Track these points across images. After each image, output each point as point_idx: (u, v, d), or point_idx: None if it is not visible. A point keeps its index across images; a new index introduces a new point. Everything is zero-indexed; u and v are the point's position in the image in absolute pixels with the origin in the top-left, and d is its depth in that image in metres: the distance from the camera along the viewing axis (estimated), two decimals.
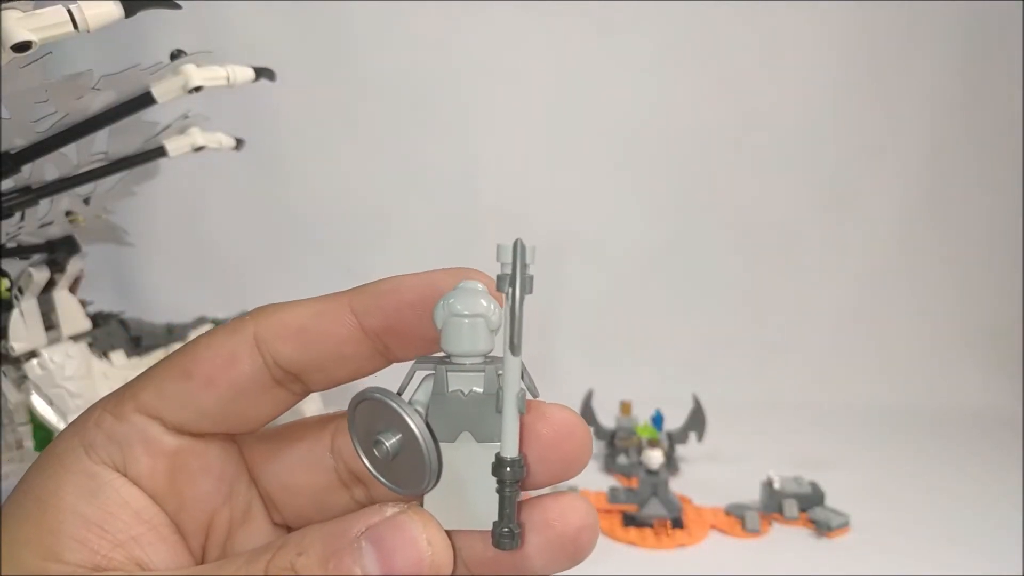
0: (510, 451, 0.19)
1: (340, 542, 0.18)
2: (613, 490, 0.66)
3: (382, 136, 1.12)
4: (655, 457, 0.64)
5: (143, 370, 0.22)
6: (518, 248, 0.18)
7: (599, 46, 1.10)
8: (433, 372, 0.20)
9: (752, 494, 0.68)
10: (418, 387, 0.20)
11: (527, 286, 0.18)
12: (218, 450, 0.22)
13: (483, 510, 0.20)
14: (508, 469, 0.19)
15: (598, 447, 0.81)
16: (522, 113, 1.11)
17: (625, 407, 0.80)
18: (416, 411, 0.19)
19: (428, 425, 0.19)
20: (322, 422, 0.24)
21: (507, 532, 0.19)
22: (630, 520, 0.64)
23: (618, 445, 0.77)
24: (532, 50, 1.10)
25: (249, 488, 0.23)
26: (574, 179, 1.12)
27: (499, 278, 0.19)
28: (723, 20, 1.08)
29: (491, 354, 0.20)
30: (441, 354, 0.21)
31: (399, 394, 0.20)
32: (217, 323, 0.70)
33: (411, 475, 0.20)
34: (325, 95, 1.10)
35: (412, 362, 0.21)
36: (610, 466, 0.77)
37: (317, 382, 0.22)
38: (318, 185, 1.14)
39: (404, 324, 0.21)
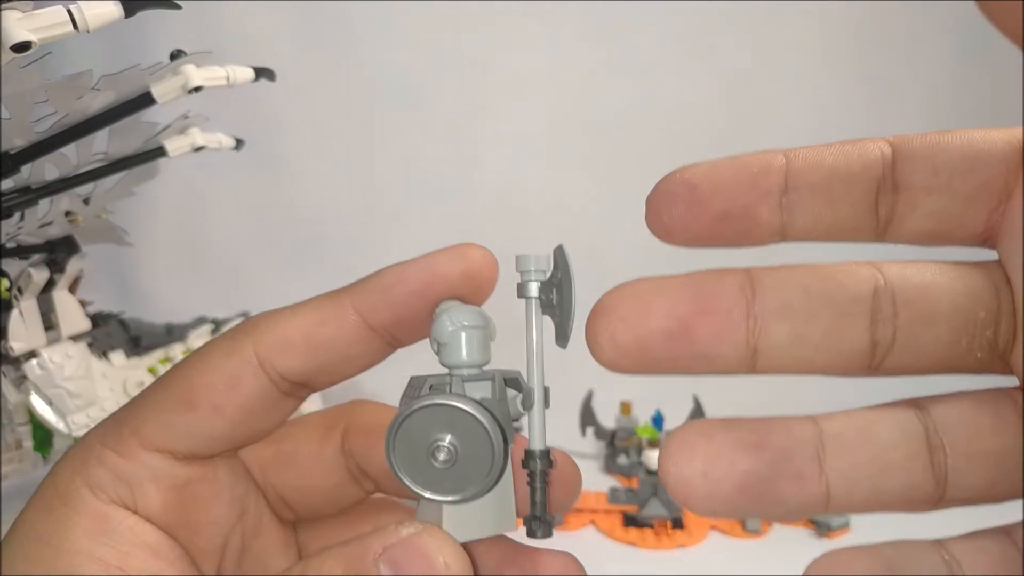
0: (539, 444, 0.20)
1: (358, 566, 0.18)
2: (613, 490, 0.66)
3: (382, 136, 1.12)
4: (655, 457, 0.64)
5: (136, 374, 0.22)
6: (561, 253, 0.20)
7: (600, 45, 1.10)
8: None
9: None
10: None
11: (571, 287, 0.20)
12: (226, 471, 0.22)
13: (503, 514, 0.20)
14: (538, 461, 0.20)
15: (598, 447, 0.81)
16: (522, 113, 1.11)
17: (625, 407, 0.80)
18: (472, 399, 0.19)
19: (489, 410, 0.19)
20: (327, 422, 0.24)
21: (540, 521, 0.20)
22: (630, 520, 0.64)
23: (618, 445, 0.77)
24: (532, 50, 1.10)
25: (258, 500, 0.23)
26: (574, 178, 1.12)
27: (520, 285, 0.20)
28: (723, 20, 1.08)
29: (487, 366, 0.21)
30: (438, 373, 0.21)
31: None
32: (217, 323, 0.70)
33: (474, 471, 0.19)
34: (325, 95, 1.10)
35: (423, 383, 0.20)
36: (610, 466, 0.77)
37: (324, 383, 0.22)
38: (318, 185, 1.14)
39: (412, 313, 0.20)
